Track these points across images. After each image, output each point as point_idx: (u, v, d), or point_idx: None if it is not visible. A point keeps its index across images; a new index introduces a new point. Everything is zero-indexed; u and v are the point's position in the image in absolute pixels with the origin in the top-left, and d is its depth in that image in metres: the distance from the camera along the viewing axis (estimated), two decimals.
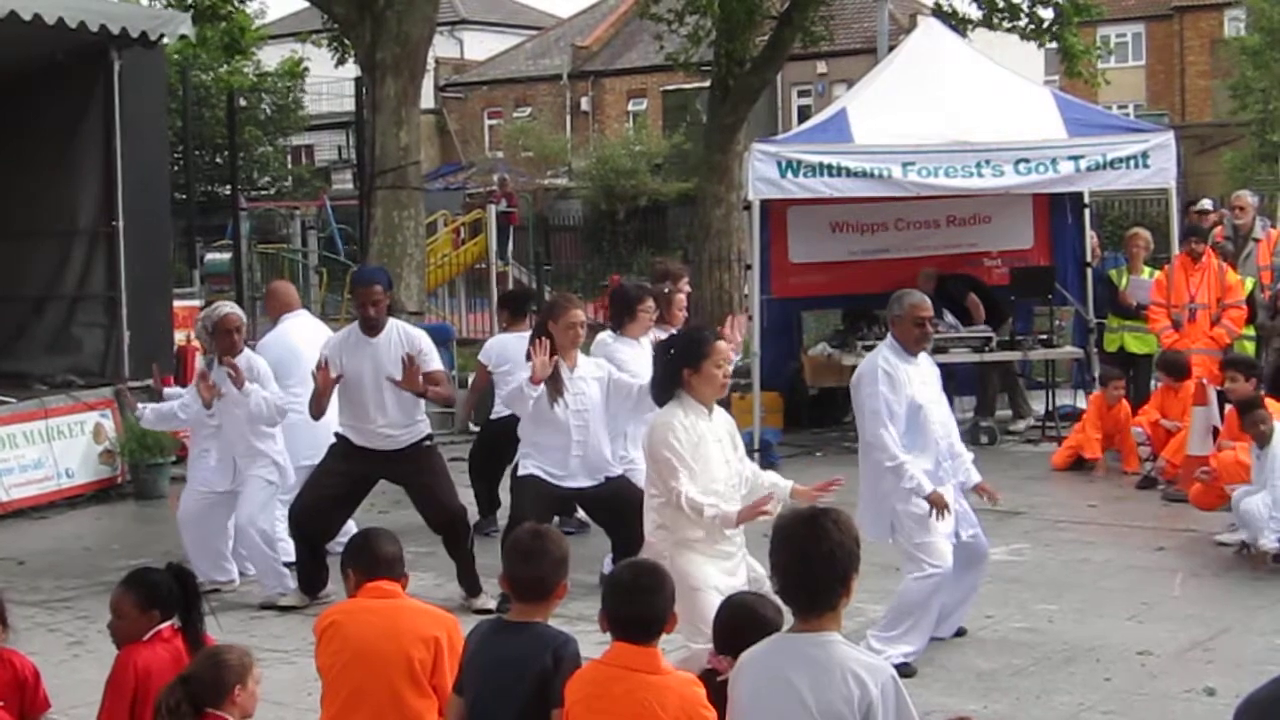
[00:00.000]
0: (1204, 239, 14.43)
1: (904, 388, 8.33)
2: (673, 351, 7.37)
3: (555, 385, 9.23)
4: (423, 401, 9.87)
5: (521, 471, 9.50)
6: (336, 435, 9.99)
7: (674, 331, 10.62)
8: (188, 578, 5.94)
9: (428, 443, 9.93)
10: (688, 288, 11.92)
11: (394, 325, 9.89)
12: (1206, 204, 16.56)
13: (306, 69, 24.46)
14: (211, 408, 10.25)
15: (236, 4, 21.55)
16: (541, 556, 5.26)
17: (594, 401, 9.38)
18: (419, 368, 9.56)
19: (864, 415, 8.39)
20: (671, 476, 7.06)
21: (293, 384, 10.64)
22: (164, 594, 5.81)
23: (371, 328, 9.74)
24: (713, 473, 7.17)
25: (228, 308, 10.47)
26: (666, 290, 11.11)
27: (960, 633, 8.87)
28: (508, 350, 11.62)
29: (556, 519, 10.10)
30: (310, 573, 9.91)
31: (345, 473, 9.87)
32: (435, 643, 5.59)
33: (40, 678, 6.05)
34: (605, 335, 10.57)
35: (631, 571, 5.18)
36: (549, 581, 5.25)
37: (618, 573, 5.14)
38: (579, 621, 7.15)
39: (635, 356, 9.99)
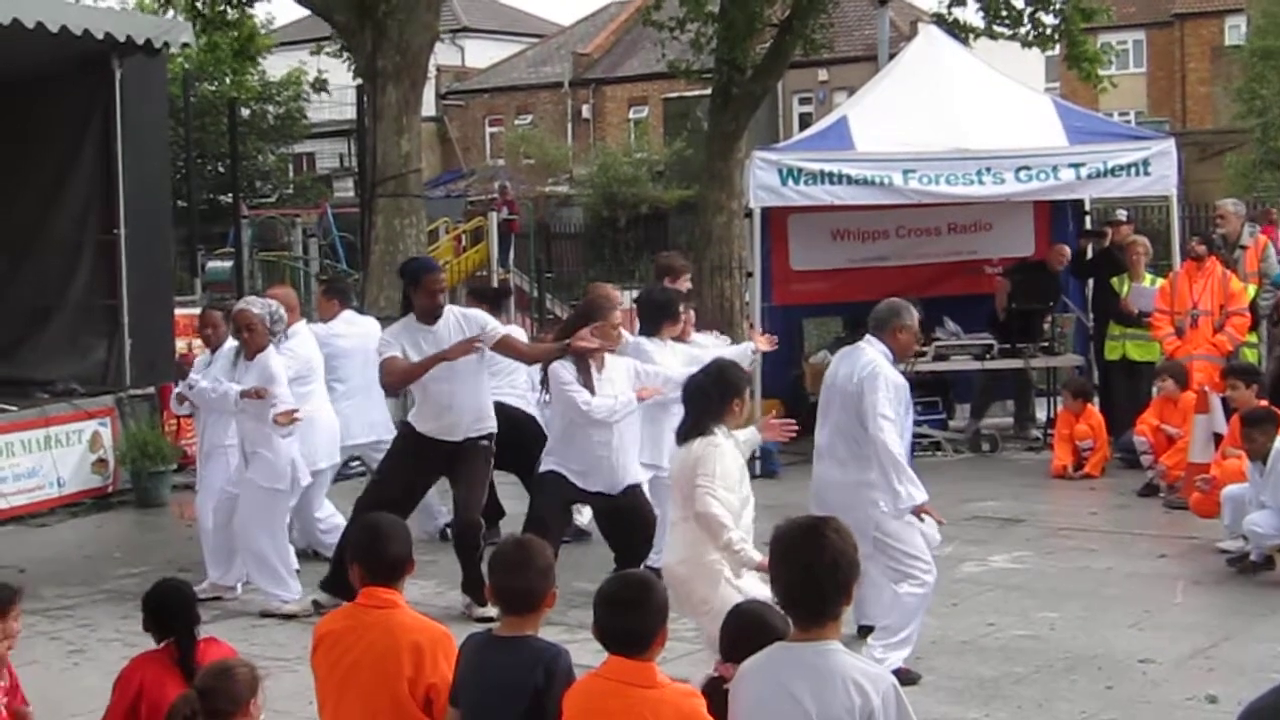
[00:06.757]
0: (1208, 243, 14.43)
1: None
2: (720, 384, 7.42)
3: (587, 384, 9.31)
4: (487, 401, 9.94)
5: (543, 468, 9.56)
6: (403, 424, 10.12)
7: (684, 342, 10.63)
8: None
9: (484, 442, 9.91)
10: (689, 284, 11.82)
11: (450, 311, 9.92)
12: (1121, 214, 16.60)
13: (325, 80, 24.59)
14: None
15: (245, 11, 21.55)
16: (526, 567, 5.24)
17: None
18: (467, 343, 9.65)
19: (872, 412, 8.21)
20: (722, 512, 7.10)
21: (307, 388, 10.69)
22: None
23: (431, 317, 9.76)
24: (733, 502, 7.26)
25: (242, 303, 10.49)
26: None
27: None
28: None
29: None
30: (342, 576, 9.89)
31: (407, 466, 9.94)
32: (421, 652, 5.49)
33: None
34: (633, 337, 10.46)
35: (617, 585, 5.13)
36: (537, 592, 5.23)
37: (605, 586, 5.09)
38: (580, 630, 7.14)
39: (663, 355, 9.99)
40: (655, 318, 10.38)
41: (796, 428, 8.29)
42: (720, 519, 7.02)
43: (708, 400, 7.37)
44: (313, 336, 11.41)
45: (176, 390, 11.15)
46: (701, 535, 7.12)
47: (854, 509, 8.00)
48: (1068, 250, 16.19)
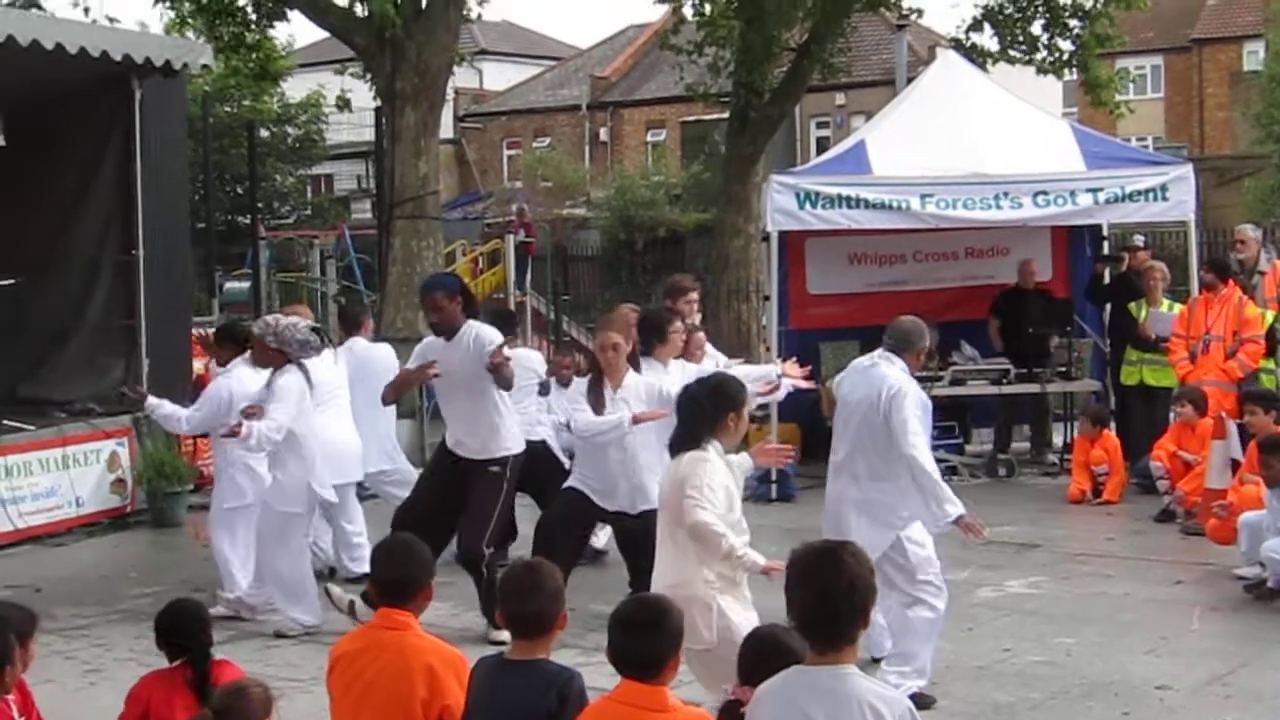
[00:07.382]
0: (1222, 270, 14.39)
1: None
2: (714, 395, 7.13)
3: (597, 403, 9.31)
4: (503, 424, 9.94)
5: (567, 484, 9.68)
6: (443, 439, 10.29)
7: (694, 366, 10.57)
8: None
9: (494, 468, 9.86)
10: (695, 300, 11.67)
11: (469, 327, 9.91)
12: (1138, 239, 16.59)
13: (349, 99, 24.79)
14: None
15: (264, 34, 21.64)
16: (537, 591, 5.23)
17: None
18: (497, 355, 9.71)
19: (904, 430, 8.17)
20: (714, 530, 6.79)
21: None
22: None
23: (439, 333, 9.93)
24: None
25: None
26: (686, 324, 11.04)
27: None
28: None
29: None
30: None
31: (433, 477, 10.15)
32: (434, 673, 5.50)
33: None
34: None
35: (631, 607, 5.12)
36: (547, 615, 5.22)
37: (619, 609, 5.07)
38: (597, 652, 7.13)
39: (661, 379, 9.90)
40: (647, 338, 10.18)
41: (793, 452, 8.15)
42: (713, 526, 6.69)
43: (700, 410, 7.06)
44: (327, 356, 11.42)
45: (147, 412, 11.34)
46: (690, 558, 6.81)
47: (867, 527, 8.03)
48: (1035, 265, 16.13)
